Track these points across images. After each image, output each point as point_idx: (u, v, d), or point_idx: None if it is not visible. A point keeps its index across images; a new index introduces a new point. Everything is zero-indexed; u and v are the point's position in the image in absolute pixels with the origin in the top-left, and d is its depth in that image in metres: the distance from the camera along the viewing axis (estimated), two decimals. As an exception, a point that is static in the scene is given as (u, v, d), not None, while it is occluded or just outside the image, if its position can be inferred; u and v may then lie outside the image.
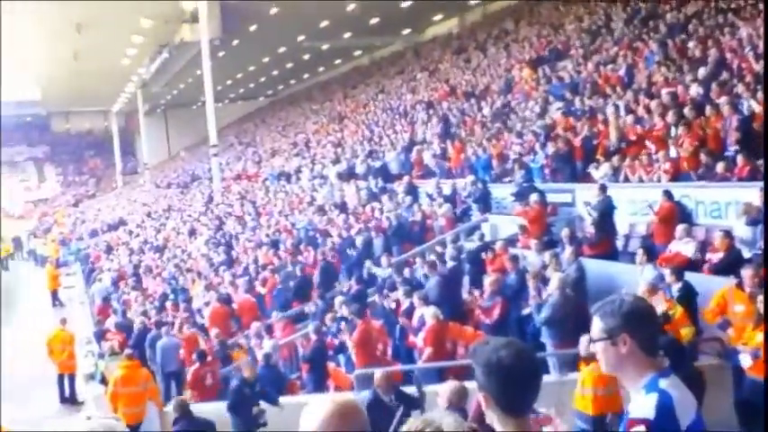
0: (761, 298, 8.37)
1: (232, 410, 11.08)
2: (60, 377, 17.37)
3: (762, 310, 8.29)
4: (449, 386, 7.43)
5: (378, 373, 9.87)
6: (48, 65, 54.61)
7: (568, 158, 16.46)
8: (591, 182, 14.99)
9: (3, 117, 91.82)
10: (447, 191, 19.03)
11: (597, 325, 2.84)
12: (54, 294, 29.88)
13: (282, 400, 11.51)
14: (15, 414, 16.26)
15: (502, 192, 17.61)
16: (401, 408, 8.65)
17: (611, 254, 13.27)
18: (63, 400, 17.20)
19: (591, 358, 7.87)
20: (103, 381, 15.87)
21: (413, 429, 2.14)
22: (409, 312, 12.83)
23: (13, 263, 42.56)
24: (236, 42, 44.82)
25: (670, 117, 14.38)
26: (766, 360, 2.53)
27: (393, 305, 13.86)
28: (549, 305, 10.69)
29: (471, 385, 5.86)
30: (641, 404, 2.74)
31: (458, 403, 6.91)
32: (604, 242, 13.26)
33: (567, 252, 12.33)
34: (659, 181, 13.76)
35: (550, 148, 16.92)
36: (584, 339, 8.05)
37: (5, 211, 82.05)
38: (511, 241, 14.66)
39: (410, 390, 9.70)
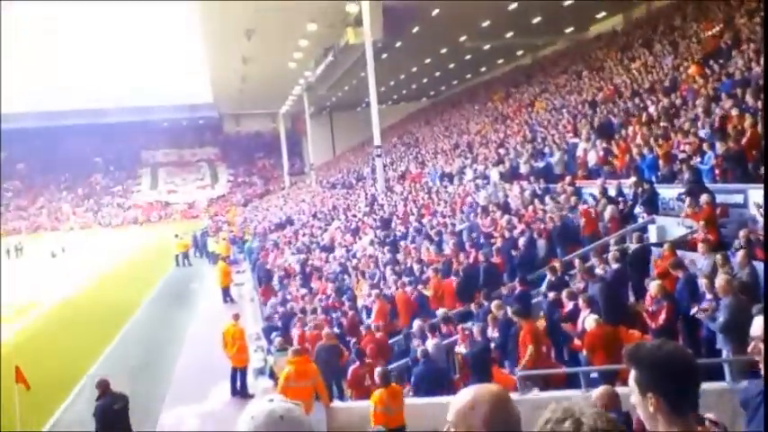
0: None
1: None
2: (234, 371, 17.98)
3: None
4: (599, 391, 7.36)
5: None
6: (219, 70, 57.44)
7: (740, 158, 15.84)
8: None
9: (178, 120, 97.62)
10: (612, 192, 18.77)
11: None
12: (225, 291, 30.93)
13: (444, 399, 11.68)
14: (189, 403, 17.31)
15: (669, 192, 17.22)
16: None
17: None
18: (234, 392, 17.81)
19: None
20: (272, 375, 16.53)
21: (552, 417, 2.11)
22: (572, 315, 12.82)
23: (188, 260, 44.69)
24: (398, 44, 45.72)
25: None
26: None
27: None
28: (726, 307, 10.35)
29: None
30: None
31: (609, 409, 6.69)
32: (780, 246, 12.70)
33: (740, 255, 11.89)
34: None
35: (720, 148, 16.37)
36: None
37: (182, 210, 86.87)
38: (678, 243, 14.32)
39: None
